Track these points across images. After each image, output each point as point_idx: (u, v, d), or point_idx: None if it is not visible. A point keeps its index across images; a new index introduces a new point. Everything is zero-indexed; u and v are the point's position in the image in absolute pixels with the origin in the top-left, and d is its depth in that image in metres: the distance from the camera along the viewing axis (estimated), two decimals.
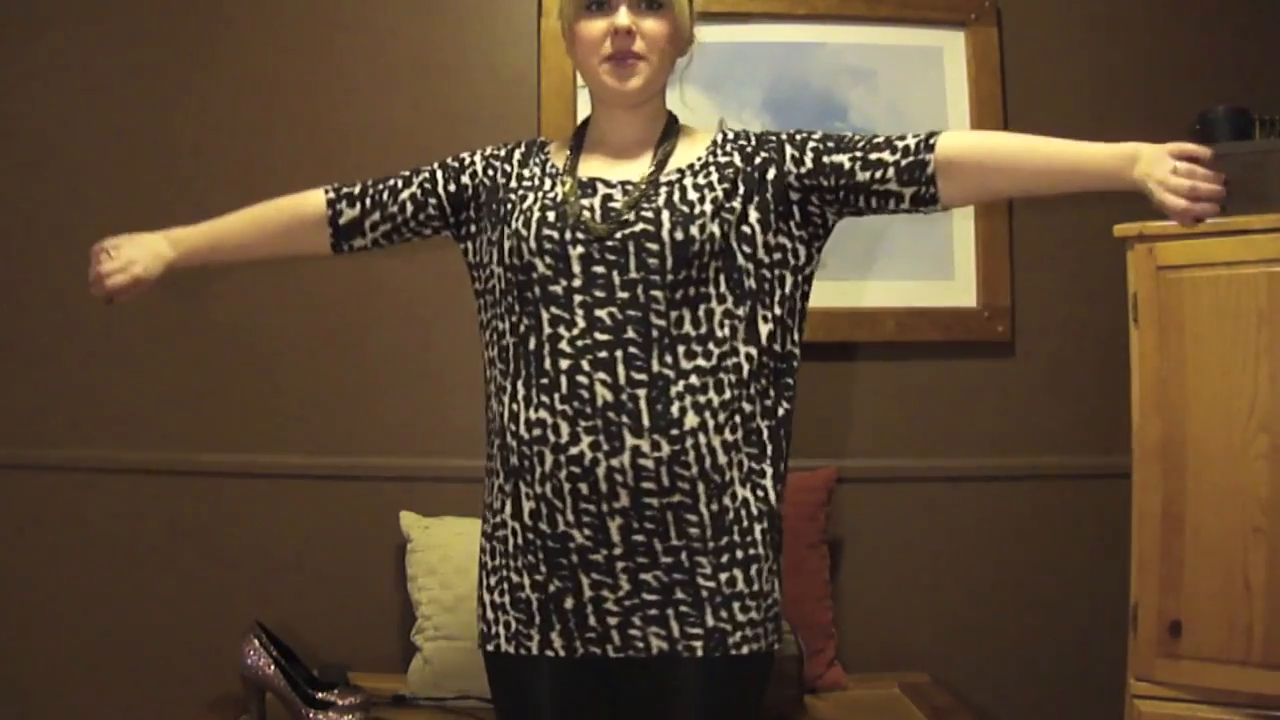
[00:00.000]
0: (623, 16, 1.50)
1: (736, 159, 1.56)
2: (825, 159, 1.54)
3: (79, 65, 2.46)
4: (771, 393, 1.54)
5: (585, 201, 1.53)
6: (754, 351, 1.51)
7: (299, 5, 2.47)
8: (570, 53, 1.59)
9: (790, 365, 1.55)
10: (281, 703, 2.09)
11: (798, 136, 1.57)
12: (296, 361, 2.46)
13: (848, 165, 1.53)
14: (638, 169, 1.57)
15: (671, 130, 1.61)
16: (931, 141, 1.51)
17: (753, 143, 1.58)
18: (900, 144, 1.52)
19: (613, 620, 1.49)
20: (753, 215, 1.53)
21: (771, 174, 1.54)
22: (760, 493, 1.52)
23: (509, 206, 1.56)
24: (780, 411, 1.55)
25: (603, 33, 1.51)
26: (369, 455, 2.44)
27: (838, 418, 2.47)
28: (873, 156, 1.52)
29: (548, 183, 1.58)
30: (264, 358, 2.46)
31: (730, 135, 1.60)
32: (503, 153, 1.66)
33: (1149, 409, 1.95)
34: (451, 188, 1.64)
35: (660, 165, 1.56)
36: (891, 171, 1.51)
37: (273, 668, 2.08)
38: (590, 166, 1.59)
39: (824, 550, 2.37)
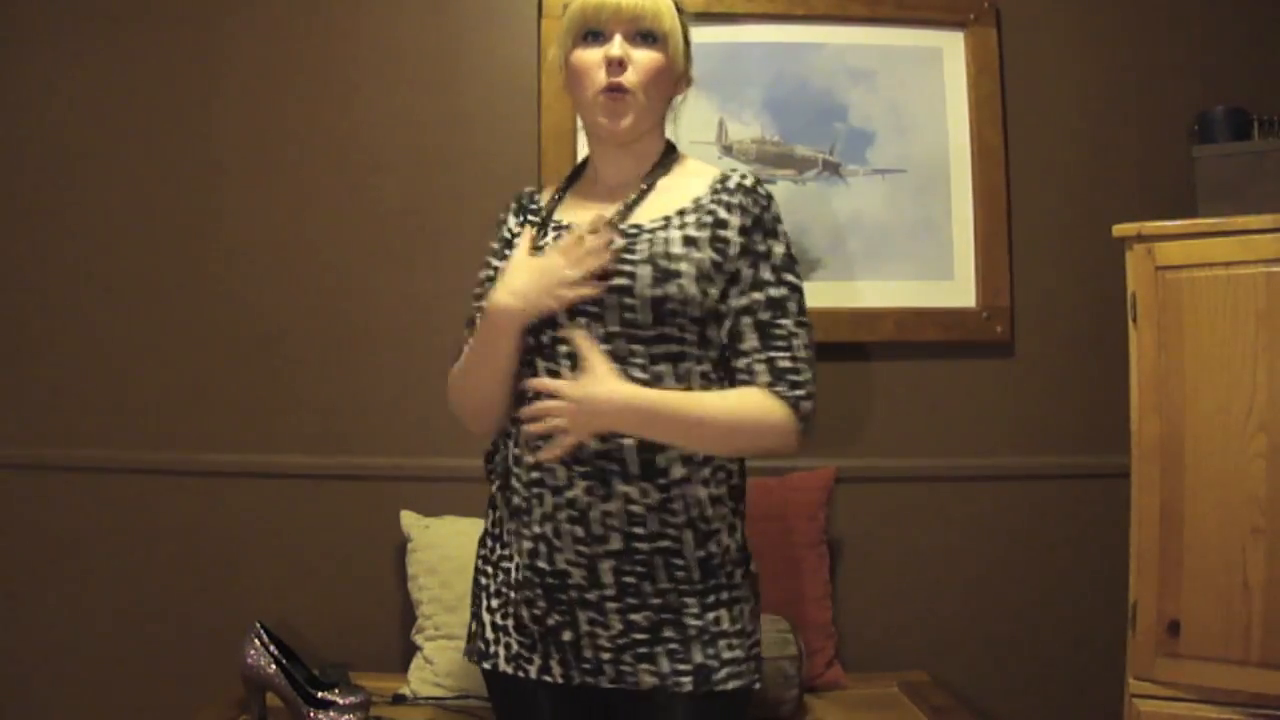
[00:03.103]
0: (616, 46, 1.52)
1: (733, 229, 1.52)
2: (741, 324, 1.52)
3: (88, 67, 2.46)
4: None
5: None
6: None
7: (306, 9, 2.47)
8: (567, 88, 1.60)
9: None
10: (282, 702, 2.09)
11: (766, 275, 1.52)
12: (297, 362, 2.46)
13: (732, 342, 1.53)
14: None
15: (665, 163, 1.60)
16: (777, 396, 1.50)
17: (750, 221, 1.53)
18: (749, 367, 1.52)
19: (605, 656, 1.53)
20: (730, 292, 1.52)
21: (740, 268, 1.52)
22: (739, 538, 1.58)
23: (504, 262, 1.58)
24: (743, 464, 1.61)
25: (597, 62, 1.53)
26: (369, 455, 2.44)
27: (837, 418, 2.47)
28: (738, 359, 1.52)
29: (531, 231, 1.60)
30: (264, 358, 2.46)
31: (733, 184, 1.55)
32: (503, 216, 1.68)
33: (1148, 409, 1.95)
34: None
35: (630, 206, 1.55)
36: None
37: (273, 667, 2.08)
38: (583, 208, 1.59)
39: (824, 550, 2.37)
